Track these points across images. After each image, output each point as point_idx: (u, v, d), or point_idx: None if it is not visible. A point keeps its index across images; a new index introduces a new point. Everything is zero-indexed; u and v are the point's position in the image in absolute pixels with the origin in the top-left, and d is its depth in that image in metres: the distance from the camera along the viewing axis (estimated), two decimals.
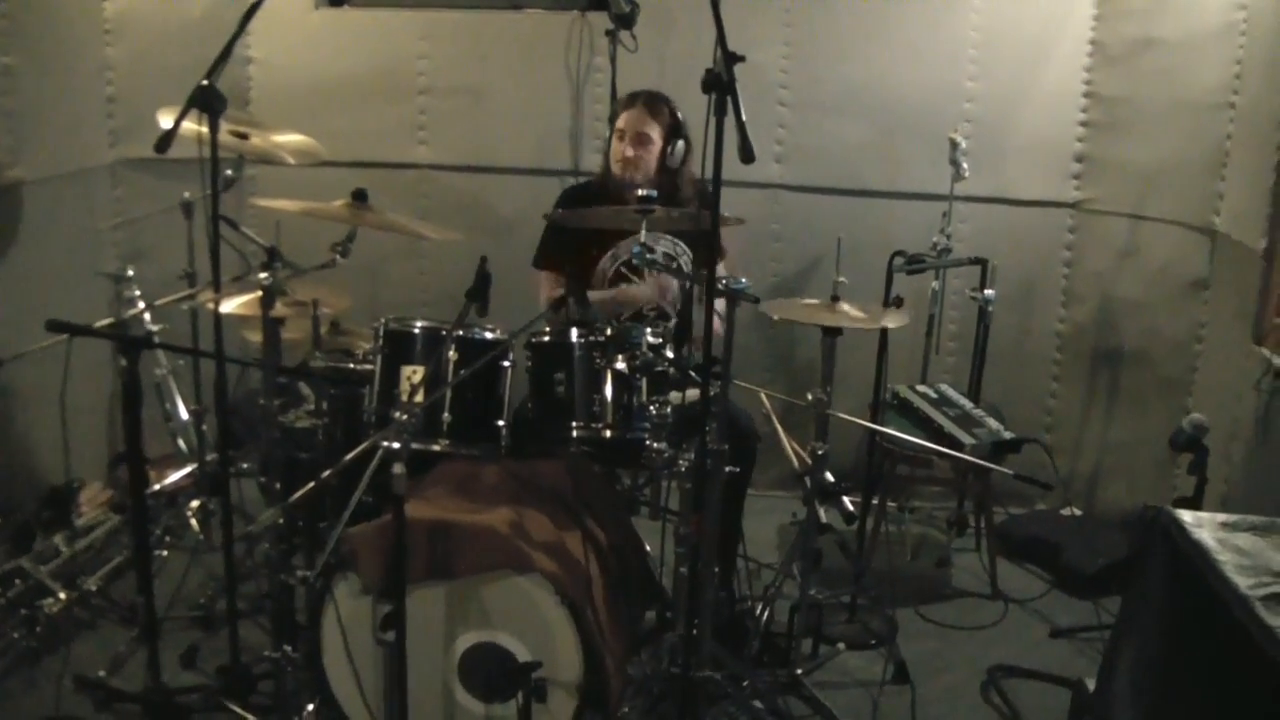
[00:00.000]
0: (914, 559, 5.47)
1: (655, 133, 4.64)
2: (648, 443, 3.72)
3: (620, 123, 4.68)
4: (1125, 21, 5.57)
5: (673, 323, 4.61)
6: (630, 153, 4.64)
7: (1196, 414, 4.20)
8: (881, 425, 4.73)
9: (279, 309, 3.82)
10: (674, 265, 4.71)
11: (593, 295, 4.64)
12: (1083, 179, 5.82)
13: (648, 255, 3.66)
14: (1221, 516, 2.81)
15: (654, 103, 4.66)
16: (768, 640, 4.47)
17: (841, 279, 4.12)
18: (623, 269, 4.74)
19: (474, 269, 3.41)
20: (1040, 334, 6.05)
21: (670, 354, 3.86)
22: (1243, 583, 2.49)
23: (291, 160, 4.57)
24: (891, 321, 4.26)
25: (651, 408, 3.77)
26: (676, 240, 4.78)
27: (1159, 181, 5.47)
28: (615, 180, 4.66)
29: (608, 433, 3.83)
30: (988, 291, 5.32)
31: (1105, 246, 5.78)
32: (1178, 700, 2.65)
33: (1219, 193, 5.14)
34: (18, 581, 4.48)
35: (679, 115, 4.70)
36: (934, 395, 5.15)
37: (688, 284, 4.25)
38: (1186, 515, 2.70)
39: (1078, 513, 5.82)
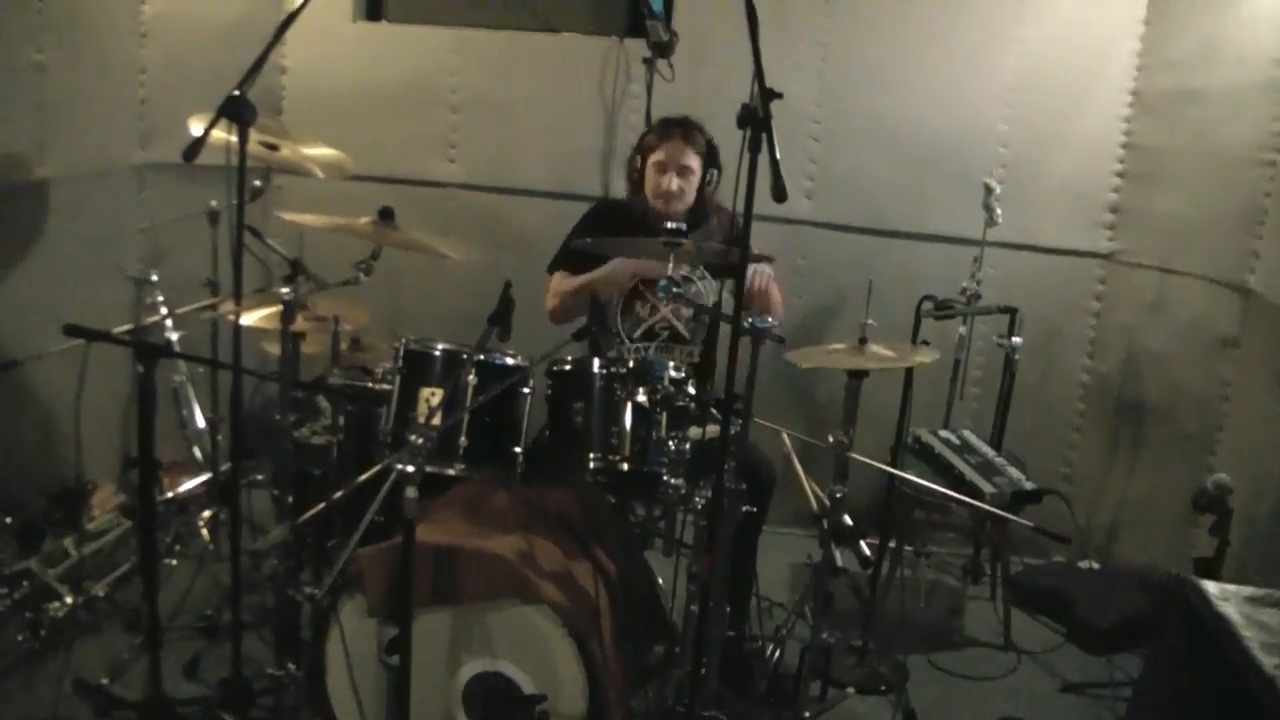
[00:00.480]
0: (927, 605, 5.42)
1: (695, 162, 4.59)
2: (664, 478, 3.70)
3: (659, 155, 4.59)
4: (1167, 72, 5.53)
5: (696, 347, 4.59)
6: (675, 186, 4.58)
7: (1221, 474, 4.15)
8: (902, 469, 4.69)
9: (299, 324, 3.80)
10: (692, 290, 4.67)
11: (565, 284, 4.64)
12: (1116, 229, 5.78)
13: (674, 290, 3.62)
14: (1247, 590, 2.75)
15: (690, 131, 4.60)
16: (775, 681, 4.42)
17: (870, 321, 4.08)
18: (640, 287, 4.71)
19: (496, 289, 3.39)
20: (1065, 383, 6.01)
21: (692, 390, 3.82)
22: (1269, 662, 2.44)
23: (320, 174, 4.56)
24: (921, 358, 4.22)
25: (670, 443, 3.73)
26: (703, 274, 4.74)
27: (1193, 236, 5.42)
28: (655, 213, 4.57)
29: (624, 465, 3.80)
30: (1015, 339, 5.28)
31: (1135, 298, 5.73)
32: None
33: (1254, 250, 5.08)
34: (25, 583, 4.46)
35: (713, 142, 4.66)
36: (956, 441, 5.10)
37: (708, 318, 4.23)
38: (1211, 587, 2.65)
39: (1095, 566, 5.76)
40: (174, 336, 5.19)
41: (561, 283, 4.74)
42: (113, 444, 5.68)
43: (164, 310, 5.16)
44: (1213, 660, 2.53)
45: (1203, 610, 2.61)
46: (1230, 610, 2.55)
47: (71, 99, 5.12)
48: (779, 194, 2.92)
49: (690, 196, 4.63)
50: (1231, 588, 2.62)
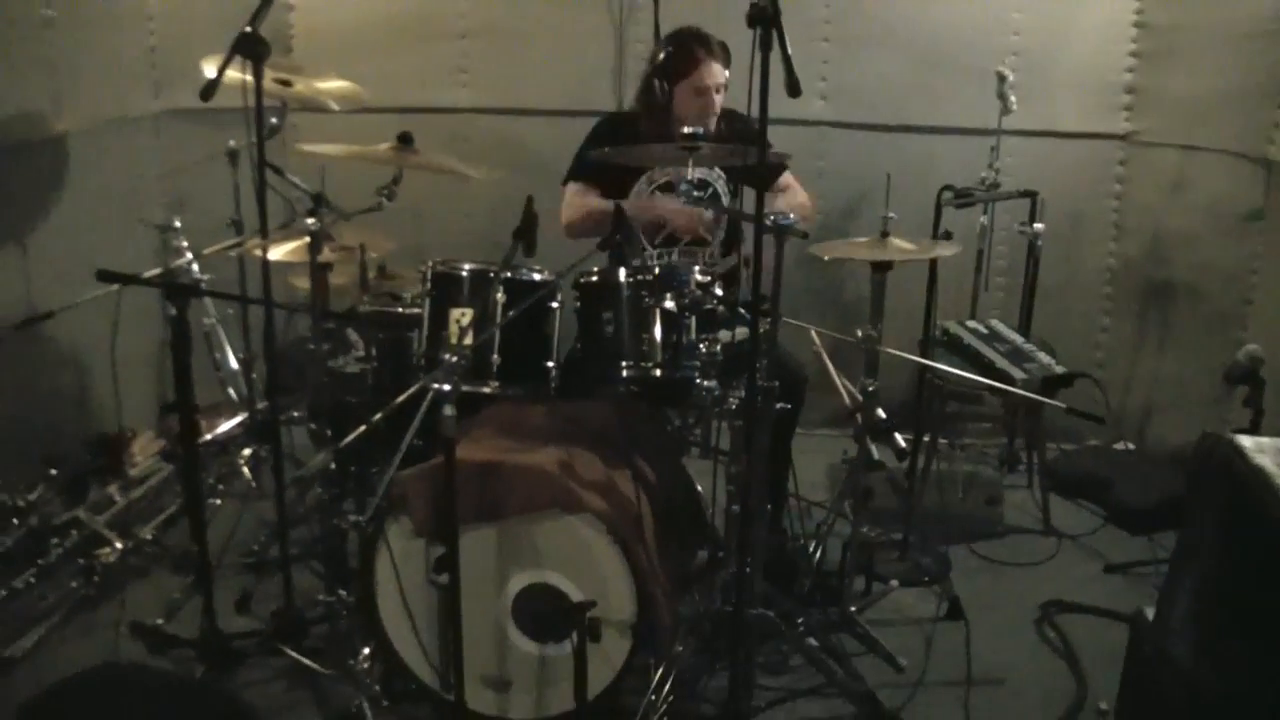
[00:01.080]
0: (965, 496, 5.44)
1: (725, 76, 4.55)
2: (697, 381, 3.71)
3: (698, 80, 4.50)
4: None
5: (715, 248, 4.59)
6: (718, 105, 4.56)
7: (1252, 346, 4.15)
8: (931, 361, 4.70)
9: (326, 255, 3.82)
10: (710, 192, 4.67)
11: (626, 205, 4.60)
12: (1133, 110, 5.76)
13: (694, 194, 3.63)
14: None
15: (713, 47, 4.52)
16: (820, 578, 4.47)
17: (891, 214, 4.08)
18: (658, 193, 4.70)
19: (517, 210, 3.38)
20: (1091, 268, 6.00)
21: (719, 292, 3.83)
22: None
23: (335, 106, 4.56)
24: (942, 250, 4.22)
25: (700, 346, 3.73)
26: (718, 174, 4.74)
27: (1211, 111, 5.40)
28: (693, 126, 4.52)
29: (657, 372, 3.79)
30: (1037, 225, 5.28)
31: (1156, 179, 5.71)
32: (1239, 627, 2.62)
33: (1275, 121, 5.05)
34: (74, 532, 4.54)
35: (726, 45, 4.63)
36: (984, 331, 5.11)
37: (725, 216, 4.22)
38: (1246, 441, 2.66)
39: (1130, 448, 5.79)
40: (202, 279, 5.22)
41: (581, 199, 4.72)
42: (147, 390, 5.73)
43: (189, 254, 5.20)
44: (1252, 511, 2.54)
45: (1239, 465, 2.62)
46: (1266, 461, 2.56)
47: (83, 52, 5.12)
48: (793, 89, 2.92)
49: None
50: (1267, 440, 2.62)
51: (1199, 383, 5.53)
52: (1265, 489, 2.50)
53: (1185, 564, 2.92)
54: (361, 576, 3.69)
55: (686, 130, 3.73)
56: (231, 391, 5.52)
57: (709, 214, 4.49)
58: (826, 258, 4.15)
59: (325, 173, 4.13)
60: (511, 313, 3.76)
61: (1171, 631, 2.90)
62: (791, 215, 3.48)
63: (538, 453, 3.60)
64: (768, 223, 3.36)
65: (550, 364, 3.92)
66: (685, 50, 4.56)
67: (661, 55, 4.62)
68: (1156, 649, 2.96)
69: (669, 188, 4.57)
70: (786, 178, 4.89)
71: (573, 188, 4.76)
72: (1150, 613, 3.07)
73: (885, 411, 4.06)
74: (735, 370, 3.71)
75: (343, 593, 3.89)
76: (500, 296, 3.82)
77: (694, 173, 3.65)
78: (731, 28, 3.29)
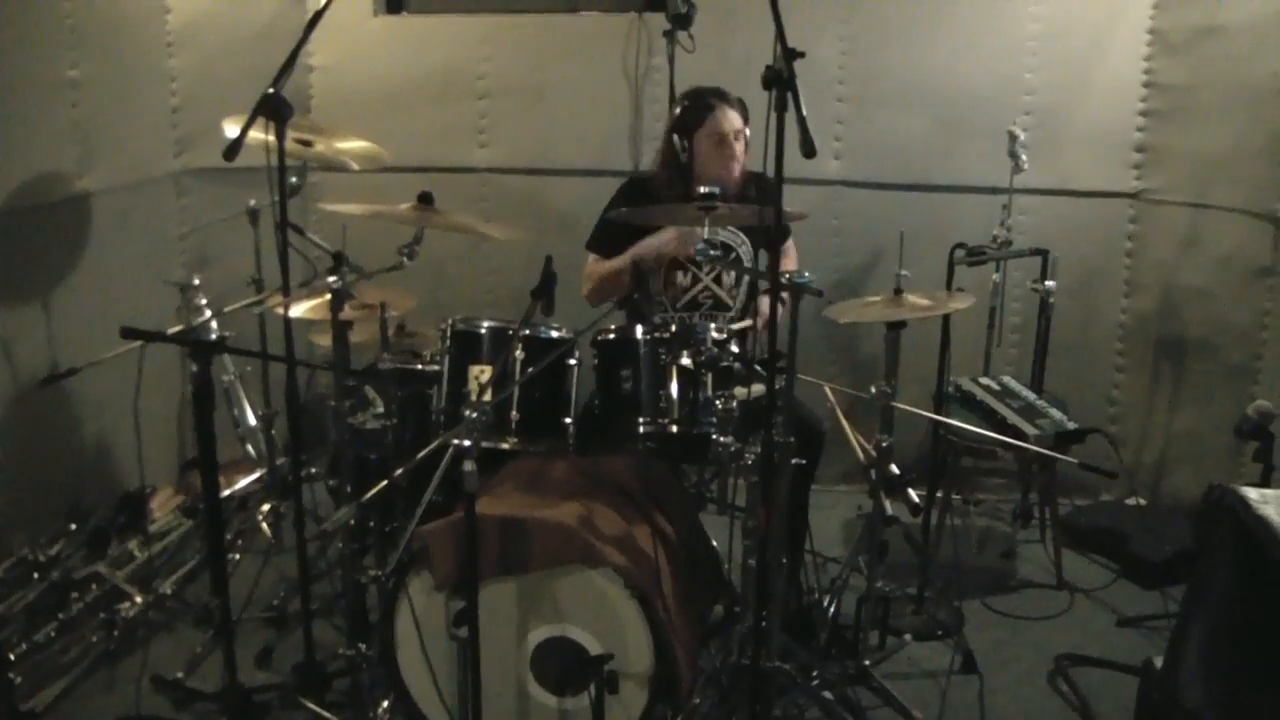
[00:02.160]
0: (979, 551, 5.47)
1: (744, 127, 4.61)
2: (714, 437, 3.73)
3: (716, 127, 4.56)
4: (1185, 9, 5.54)
5: (735, 311, 4.63)
6: (740, 154, 4.60)
7: (1262, 401, 4.18)
8: (945, 418, 4.73)
9: (347, 312, 3.86)
10: (732, 256, 4.73)
11: (602, 266, 4.68)
12: (1143, 168, 5.79)
13: (711, 252, 3.67)
14: None
15: (730, 98, 4.59)
16: (835, 632, 4.48)
17: (904, 272, 4.12)
18: (680, 258, 4.73)
19: (536, 269, 3.43)
20: (1103, 324, 6.03)
21: (735, 349, 3.87)
22: None
23: (355, 166, 4.62)
24: (956, 304, 4.24)
25: (717, 402, 3.76)
26: (735, 231, 4.79)
27: (1222, 169, 5.44)
28: (708, 181, 4.54)
29: (674, 428, 3.84)
30: (1049, 283, 5.31)
31: (1168, 236, 5.75)
32: (1248, 674, 2.65)
33: None
34: (94, 586, 4.56)
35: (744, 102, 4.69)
36: (997, 387, 5.15)
37: (747, 277, 4.24)
38: (1251, 492, 2.70)
39: (1143, 503, 5.80)
40: (224, 336, 5.26)
41: (597, 266, 4.75)
42: (168, 447, 5.79)
43: (208, 312, 5.25)
44: (1257, 560, 2.57)
45: (1244, 515, 2.66)
46: (1270, 512, 2.59)
47: (106, 112, 5.19)
48: (808, 149, 2.96)
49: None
50: (1271, 492, 2.66)
51: (1211, 437, 5.55)
52: (1270, 538, 2.54)
53: (1193, 612, 2.96)
54: (382, 630, 3.73)
55: (704, 190, 3.78)
56: (250, 448, 5.55)
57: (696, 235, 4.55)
58: (842, 320, 4.19)
59: (346, 234, 4.18)
60: (530, 370, 3.81)
61: (1180, 679, 2.93)
62: (806, 274, 3.53)
63: (558, 507, 3.63)
64: (784, 280, 3.41)
65: (568, 420, 3.97)
66: (699, 101, 4.63)
67: (678, 110, 4.69)
68: (1166, 696, 2.99)
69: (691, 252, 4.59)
70: (787, 243, 4.93)
71: (592, 258, 4.79)
72: (1159, 662, 3.10)
73: (899, 467, 4.10)
74: (752, 426, 3.73)
75: (363, 646, 3.91)
76: (519, 354, 3.87)
77: (713, 233, 3.69)
78: (747, 89, 3.34)
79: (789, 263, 4.91)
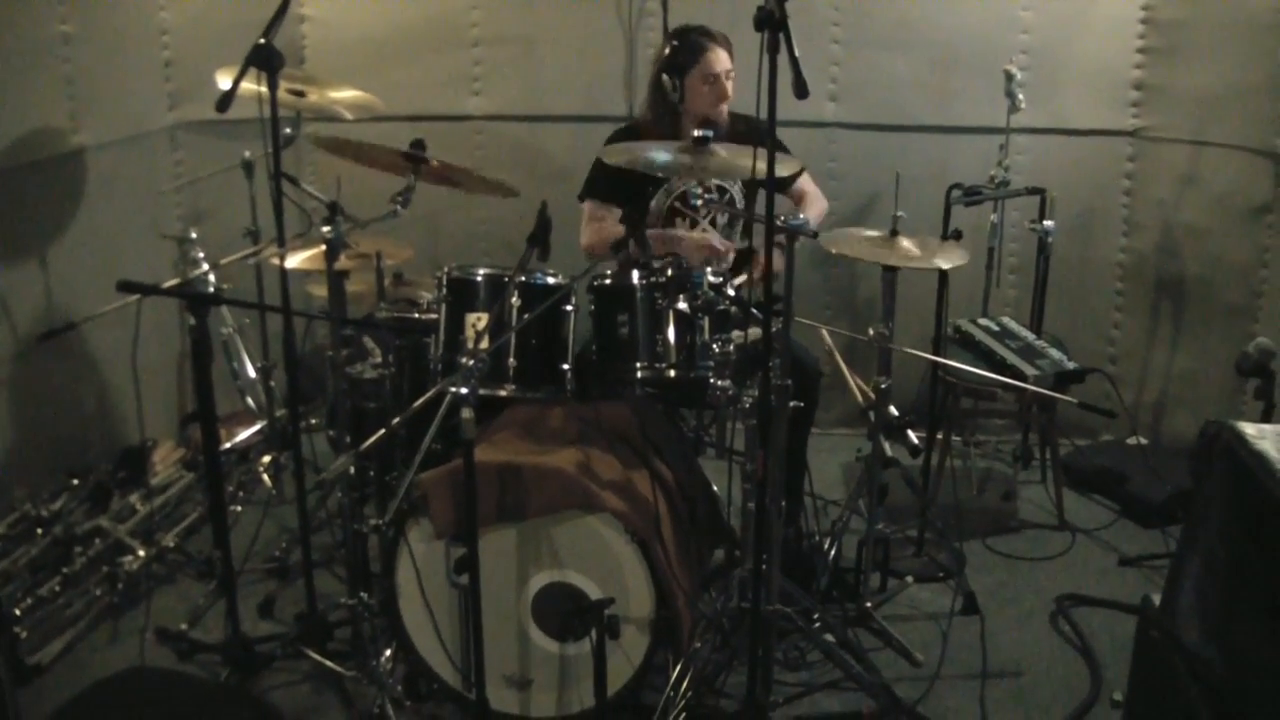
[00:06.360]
0: (980, 492, 5.48)
1: (732, 66, 4.62)
2: (712, 381, 3.70)
3: (708, 67, 4.56)
4: None
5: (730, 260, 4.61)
6: (729, 91, 4.61)
7: (1263, 338, 4.17)
8: (944, 359, 4.73)
9: (343, 262, 3.85)
10: (726, 198, 4.71)
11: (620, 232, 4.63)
12: (1141, 106, 5.76)
13: (708, 196, 3.65)
14: None
15: (718, 36, 4.60)
16: (836, 575, 4.50)
17: (900, 213, 4.11)
18: (676, 204, 4.72)
19: (531, 216, 3.42)
20: (1101, 264, 6.01)
21: (731, 292, 3.86)
22: None
23: (349, 115, 4.60)
24: (946, 261, 4.14)
25: (714, 346, 3.73)
26: (737, 183, 4.77)
27: (1220, 106, 5.41)
28: (701, 120, 4.51)
29: (672, 372, 3.84)
30: (1047, 223, 5.28)
31: (1166, 174, 5.72)
32: (1244, 610, 2.65)
33: None
34: (97, 540, 4.57)
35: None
36: (995, 328, 5.14)
37: (742, 220, 4.22)
38: (1248, 428, 2.68)
39: (1144, 442, 5.80)
40: (220, 288, 5.25)
41: (600, 226, 4.74)
42: (167, 401, 5.78)
43: (205, 265, 5.24)
44: (1254, 495, 2.57)
45: (1240, 450, 2.65)
46: (1267, 446, 2.58)
47: (99, 67, 5.15)
48: (800, 90, 2.94)
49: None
50: (1268, 427, 2.64)
51: (1211, 376, 5.55)
52: (1266, 473, 2.53)
53: (1191, 549, 2.95)
54: (383, 579, 3.74)
55: (697, 134, 3.76)
56: (249, 400, 5.55)
57: (721, 245, 4.53)
58: (834, 250, 4.17)
59: (341, 185, 4.15)
60: (527, 316, 3.80)
61: (1178, 616, 2.93)
62: (803, 216, 3.52)
63: (556, 454, 3.64)
64: (778, 223, 3.40)
65: (565, 366, 3.97)
66: (689, 41, 4.61)
67: (667, 50, 4.66)
68: (1164, 634, 2.99)
69: (686, 198, 4.57)
70: (803, 183, 4.92)
71: (590, 205, 4.79)
72: (1157, 599, 3.10)
73: (898, 409, 4.10)
74: (749, 369, 3.72)
75: (365, 595, 3.92)
76: (515, 301, 3.86)
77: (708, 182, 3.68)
78: (739, 30, 3.32)
79: (816, 204, 4.92)
